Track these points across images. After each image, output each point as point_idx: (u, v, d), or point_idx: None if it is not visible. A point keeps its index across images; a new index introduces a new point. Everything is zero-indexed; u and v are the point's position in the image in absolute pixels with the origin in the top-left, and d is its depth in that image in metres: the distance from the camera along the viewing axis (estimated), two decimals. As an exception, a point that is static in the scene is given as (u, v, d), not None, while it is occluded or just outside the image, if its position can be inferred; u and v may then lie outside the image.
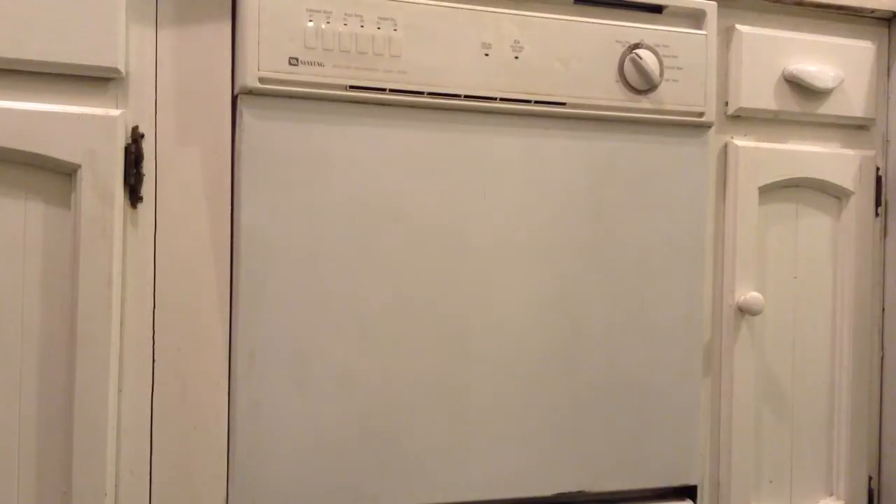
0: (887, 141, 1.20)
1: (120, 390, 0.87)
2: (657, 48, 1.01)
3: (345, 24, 0.90)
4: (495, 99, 0.95)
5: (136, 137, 0.87)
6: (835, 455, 1.18)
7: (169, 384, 0.89)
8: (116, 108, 0.87)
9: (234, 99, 0.90)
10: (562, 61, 0.98)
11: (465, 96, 0.94)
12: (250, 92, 0.88)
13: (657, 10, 1.04)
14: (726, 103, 1.11)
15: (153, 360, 0.88)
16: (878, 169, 1.19)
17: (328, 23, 0.89)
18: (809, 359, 1.16)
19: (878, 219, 1.19)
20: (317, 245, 0.91)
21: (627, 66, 1.00)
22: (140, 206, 0.88)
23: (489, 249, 0.97)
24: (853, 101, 1.16)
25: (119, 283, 0.86)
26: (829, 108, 1.15)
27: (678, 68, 1.02)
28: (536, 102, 0.97)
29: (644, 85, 1.00)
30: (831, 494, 1.18)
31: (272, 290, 0.89)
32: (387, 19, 0.91)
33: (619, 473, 1.03)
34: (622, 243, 1.02)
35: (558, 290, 1.00)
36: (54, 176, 0.86)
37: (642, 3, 1.04)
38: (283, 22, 0.88)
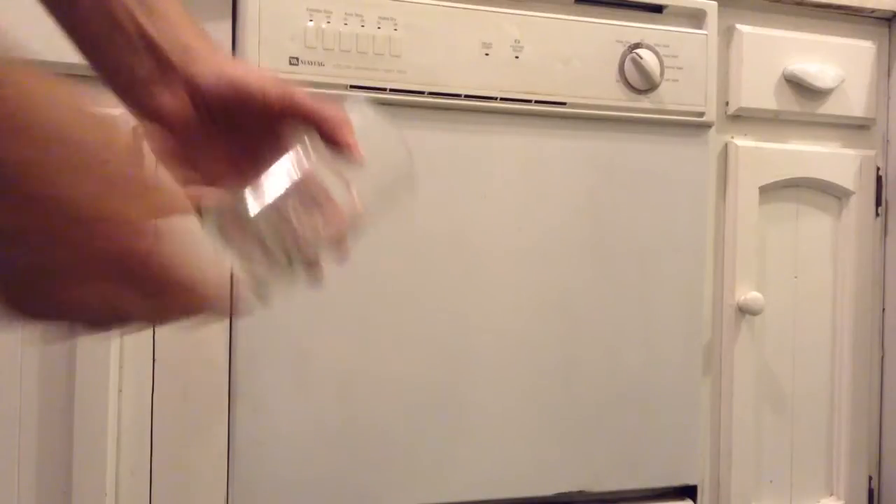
0: (887, 141, 1.20)
1: (120, 390, 0.87)
2: (657, 48, 1.01)
3: (345, 24, 0.90)
4: (495, 99, 0.95)
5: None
6: (835, 455, 1.18)
7: (169, 384, 0.89)
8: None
9: (235, 99, 0.90)
10: (562, 61, 0.98)
11: (466, 96, 0.94)
12: (250, 92, 0.88)
13: (657, 9, 1.04)
14: (727, 103, 1.11)
15: (153, 360, 0.88)
16: (878, 169, 1.18)
17: (328, 22, 0.89)
18: (809, 359, 1.16)
19: (879, 219, 1.19)
20: (317, 245, 0.90)
21: (628, 65, 0.99)
22: (140, 205, 0.88)
23: (489, 249, 0.97)
24: (853, 101, 1.16)
25: (119, 282, 0.86)
26: (829, 107, 1.15)
27: (678, 68, 1.02)
28: (537, 102, 0.97)
29: (644, 85, 1.00)
30: (831, 494, 1.18)
31: (272, 290, 0.89)
32: (387, 19, 0.91)
33: (619, 473, 1.03)
34: (622, 243, 1.02)
35: (558, 289, 1.00)
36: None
37: (643, 3, 1.03)
38: (284, 22, 0.88)
